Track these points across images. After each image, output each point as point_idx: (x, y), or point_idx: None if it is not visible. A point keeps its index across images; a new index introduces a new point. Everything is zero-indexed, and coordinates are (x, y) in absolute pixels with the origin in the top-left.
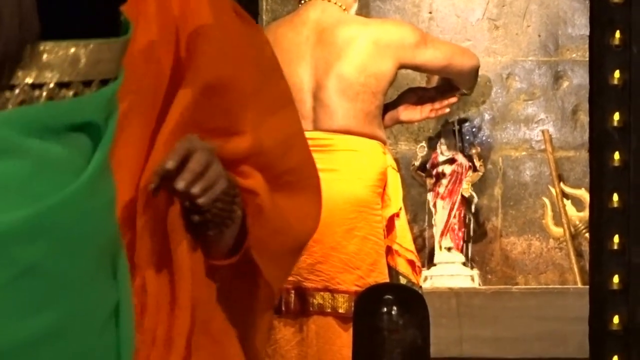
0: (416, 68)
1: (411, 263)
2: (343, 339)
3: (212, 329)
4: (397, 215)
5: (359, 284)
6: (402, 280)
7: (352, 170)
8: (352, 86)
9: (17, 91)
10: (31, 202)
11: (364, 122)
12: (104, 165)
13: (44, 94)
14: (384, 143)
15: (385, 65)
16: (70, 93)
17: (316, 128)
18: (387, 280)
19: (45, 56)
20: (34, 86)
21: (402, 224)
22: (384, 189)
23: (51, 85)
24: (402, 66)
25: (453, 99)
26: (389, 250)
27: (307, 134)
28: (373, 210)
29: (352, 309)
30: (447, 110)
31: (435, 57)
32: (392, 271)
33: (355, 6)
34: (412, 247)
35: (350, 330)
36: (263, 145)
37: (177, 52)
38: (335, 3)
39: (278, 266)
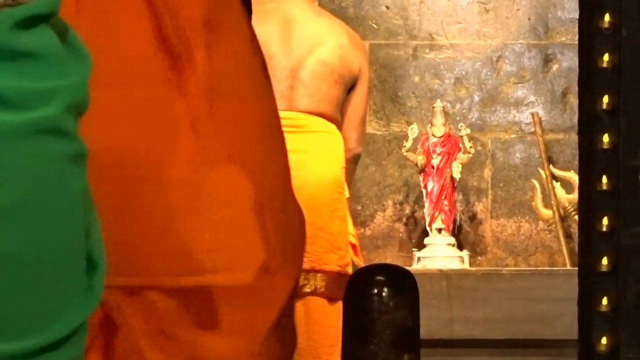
0: (356, 95)
1: (353, 246)
2: (330, 319)
3: None
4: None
5: (340, 264)
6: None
7: (328, 151)
8: (332, 74)
9: None
10: (68, 75)
11: (335, 108)
12: None
13: None
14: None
15: (355, 64)
16: None
17: (291, 108)
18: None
19: None
20: None
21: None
22: None
23: None
24: (358, 73)
25: None
26: None
27: (282, 114)
28: (344, 191)
29: (335, 289)
30: None
31: (365, 97)
32: None
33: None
34: (353, 230)
35: (336, 310)
36: None
37: None
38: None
39: None
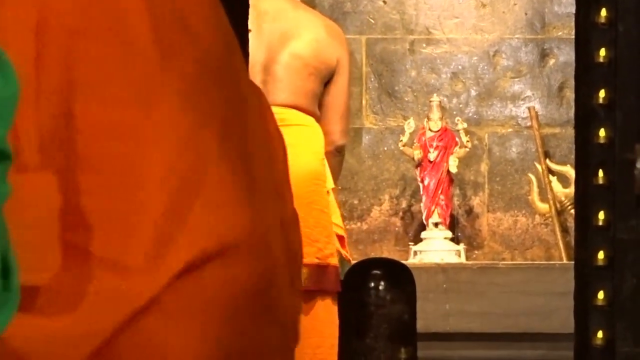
0: (336, 87)
1: (340, 238)
2: (310, 313)
3: None
4: (328, 192)
5: (319, 256)
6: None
7: (305, 144)
8: (307, 67)
9: None
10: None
11: (311, 101)
12: None
13: None
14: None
15: (332, 56)
16: None
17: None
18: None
19: None
20: None
21: (332, 200)
22: None
23: None
24: (336, 65)
25: None
26: None
27: None
28: (324, 184)
29: (315, 281)
30: None
31: (345, 88)
32: None
33: None
34: (341, 223)
35: (310, 304)
36: None
37: None
38: None
39: None
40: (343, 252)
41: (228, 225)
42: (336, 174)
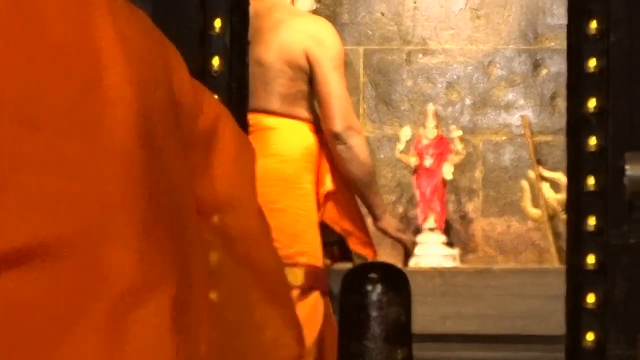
0: (316, 78)
1: (350, 236)
2: None
3: None
4: (329, 194)
5: (280, 254)
6: (355, 258)
7: (267, 146)
8: (270, 71)
9: None
10: None
11: (282, 103)
12: None
13: None
14: (311, 123)
15: (297, 54)
16: None
17: None
18: (317, 249)
19: None
20: None
21: (337, 202)
22: (319, 168)
23: None
24: (309, 65)
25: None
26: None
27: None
28: (294, 184)
29: None
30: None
31: (339, 83)
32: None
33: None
34: (350, 227)
35: None
36: None
37: None
38: None
39: None
40: (365, 253)
41: (35, 228)
42: (344, 164)
